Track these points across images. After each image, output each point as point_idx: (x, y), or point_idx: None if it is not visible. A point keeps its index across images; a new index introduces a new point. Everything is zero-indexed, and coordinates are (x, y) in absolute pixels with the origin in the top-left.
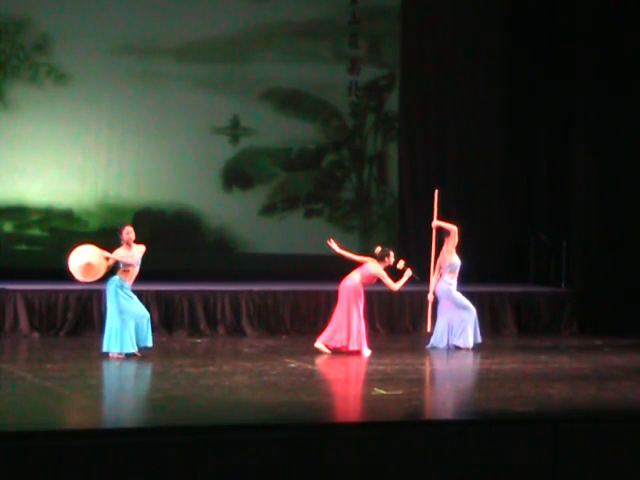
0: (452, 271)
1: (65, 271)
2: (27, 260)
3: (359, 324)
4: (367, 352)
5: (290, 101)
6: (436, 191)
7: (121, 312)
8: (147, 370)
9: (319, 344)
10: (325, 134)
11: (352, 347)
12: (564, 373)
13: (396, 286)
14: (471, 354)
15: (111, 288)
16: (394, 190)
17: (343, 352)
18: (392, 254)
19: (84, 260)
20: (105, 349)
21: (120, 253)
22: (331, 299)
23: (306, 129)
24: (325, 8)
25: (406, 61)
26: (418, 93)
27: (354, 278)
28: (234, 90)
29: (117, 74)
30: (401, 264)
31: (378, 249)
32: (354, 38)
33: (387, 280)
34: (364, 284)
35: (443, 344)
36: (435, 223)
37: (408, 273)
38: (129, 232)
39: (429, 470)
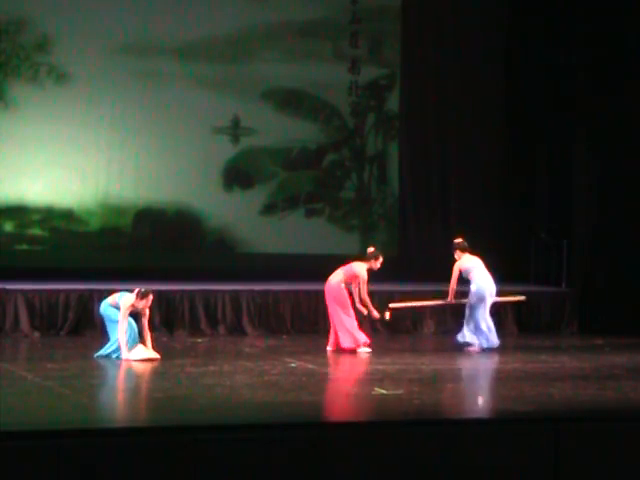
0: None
1: (65, 270)
2: (28, 260)
3: (350, 322)
4: (364, 349)
5: (290, 101)
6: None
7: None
8: (148, 370)
9: (329, 348)
10: (325, 134)
11: (345, 345)
12: (565, 372)
13: (364, 298)
14: (472, 354)
15: (110, 308)
16: (394, 190)
17: (346, 352)
18: (380, 260)
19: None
20: (129, 356)
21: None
22: None
23: (306, 129)
24: (325, 8)
25: (406, 61)
26: (418, 93)
27: (335, 279)
28: (235, 90)
29: (117, 74)
30: (387, 316)
31: (371, 249)
32: (354, 38)
33: (363, 287)
34: (346, 283)
35: (494, 343)
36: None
37: (386, 316)
38: (150, 301)
39: (429, 470)
